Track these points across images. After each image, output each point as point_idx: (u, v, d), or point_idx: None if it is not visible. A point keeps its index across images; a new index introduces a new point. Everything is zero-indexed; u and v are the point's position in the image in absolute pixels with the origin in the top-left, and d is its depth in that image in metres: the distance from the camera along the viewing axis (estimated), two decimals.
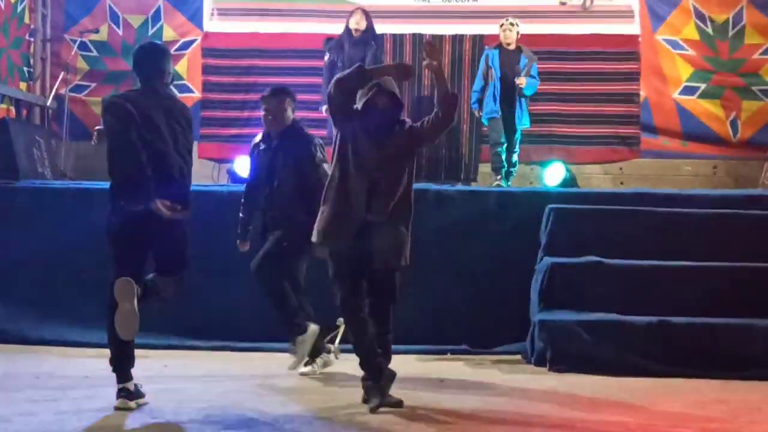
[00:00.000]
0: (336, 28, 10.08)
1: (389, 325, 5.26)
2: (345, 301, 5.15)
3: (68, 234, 7.53)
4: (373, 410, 4.94)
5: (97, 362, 6.47)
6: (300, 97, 10.36)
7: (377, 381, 5.08)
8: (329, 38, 9.51)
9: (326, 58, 9.26)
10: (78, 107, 10.46)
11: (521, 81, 8.84)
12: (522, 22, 9.94)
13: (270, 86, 10.64)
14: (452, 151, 10.22)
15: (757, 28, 10.25)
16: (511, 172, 9.11)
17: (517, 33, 9.12)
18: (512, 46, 9.08)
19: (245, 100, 10.26)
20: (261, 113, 6.37)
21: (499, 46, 9.13)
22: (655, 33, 10.37)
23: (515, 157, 9.11)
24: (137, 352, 6.86)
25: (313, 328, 5.95)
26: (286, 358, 6.75)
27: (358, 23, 9.15)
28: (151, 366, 6.30)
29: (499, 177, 8.97)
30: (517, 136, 9.04)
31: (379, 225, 5.08)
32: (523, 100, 8.97)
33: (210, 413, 4.87)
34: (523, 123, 9.03)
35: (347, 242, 5.09)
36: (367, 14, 9.27)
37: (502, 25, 9.16)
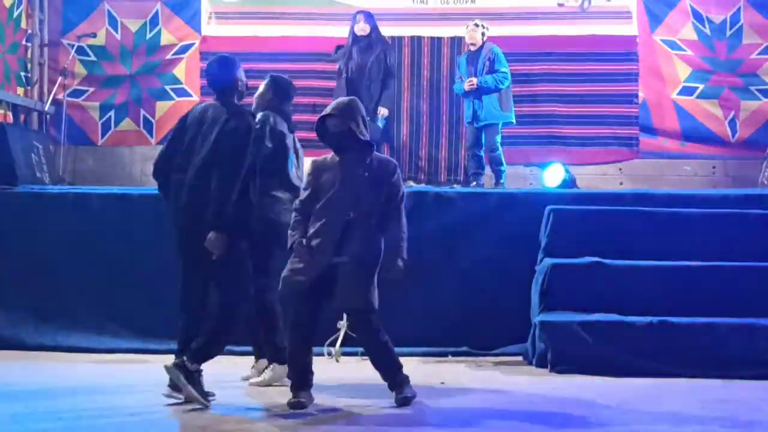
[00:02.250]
0: (334, 31, 10.10)
1: (372, 335, 5.24)
2: (290, 343, 5.25)
3: (67, 239, 7.53)
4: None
5: (96, 367, 6.48)
6: (299, 100, 10.46)
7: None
8: (339, 46, 9.48)
9: (339, 65, 9.26)
10: (76, 112, 10.45)
11: (470, 82, 8.80)
12: (520, 23, 10.01)
13: None
14: (452, 152, 10.22)
15: (755, 28, 10.26)
16: (500, 171, 8.96)
17: (483, 34, 9.01)
18: (476, 47, 9.00)
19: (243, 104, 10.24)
20: None
21: (469, 51, 9.12)
22: (653, 33, 10.38)
23: (500, 157, 8.94)
24: (137, 357, 6.92)
25: None
26: None
27: (362, 29, 9.16)
28: (151, 371, 6.28)
29: (473, 183, 8.93)
30: (498, 138, 8.92)
31: (343, 266, 5.07)
32: (486, 97, 8.81)
33: (211, 417, 4.86)
34: (495, 118, 8.85)
35: (309, 283, 5.09)
36: (369, 16, 9.24)
37: (468, 26, 9.13)
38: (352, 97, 5.40)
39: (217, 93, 5.41)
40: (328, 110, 5.25)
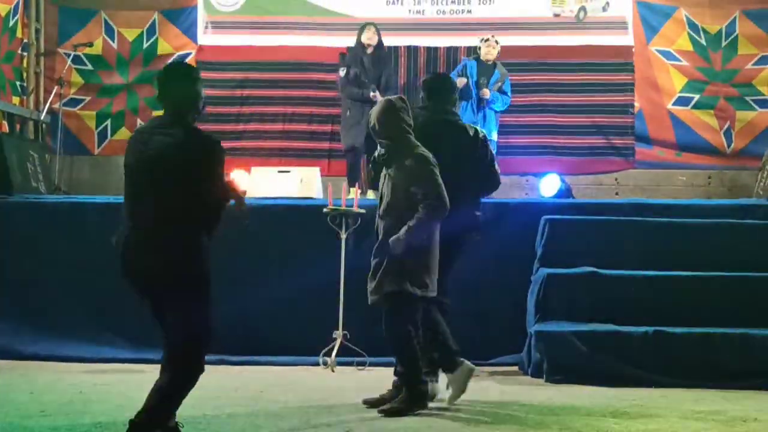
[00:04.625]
0: (331, 41, 10.12)
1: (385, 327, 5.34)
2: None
3: (62, 248, 7.52)
4: None
5: (90, 377, 6.46)
6: (292, 109, 10.50)
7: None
8: (343, 53, 9.44)
9: (342, 72, 9.18)
10: (72, 121, 10.45)
11: (484, 92, 8.91)
12: (516, 34, 10.01)
13: (264, 99, 10.63)
14: None
15: (750, 39, 10.29)
16: None
17: (498, 52, 9.16)
18: (491, 62, 9.11)
19: (240, 113, 10.27)
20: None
21: (478, 59, 9.19)
22: (648, 44, 10.40)
23: None
24: (132, 366, 6.90)
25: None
26: (281, 372, 6.75)
27: (370, 39, 9.13)
28: (146, 381, 6.25)
29: None
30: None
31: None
32: (489, 112, 9.00)
33: (205, 427, 4.85)
34: (490, 134, 8.88)
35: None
36: (378, 30, 9.24)
37: (487, 41, 9.19)
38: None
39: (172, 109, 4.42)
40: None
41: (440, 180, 5.19)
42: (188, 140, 4.29)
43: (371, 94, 8.88)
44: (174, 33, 10.64)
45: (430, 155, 5.26)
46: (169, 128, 4.35)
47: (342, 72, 9.17)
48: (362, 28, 9.27)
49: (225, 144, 4.51)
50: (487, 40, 9.22)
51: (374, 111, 5.41)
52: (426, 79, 6.08)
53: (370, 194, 9.09)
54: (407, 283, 5.16)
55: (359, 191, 8.64)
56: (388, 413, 5.12)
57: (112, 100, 10.59)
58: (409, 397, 5.19)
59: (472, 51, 9.92)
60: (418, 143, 5.31)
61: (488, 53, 9.14)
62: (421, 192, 5.16)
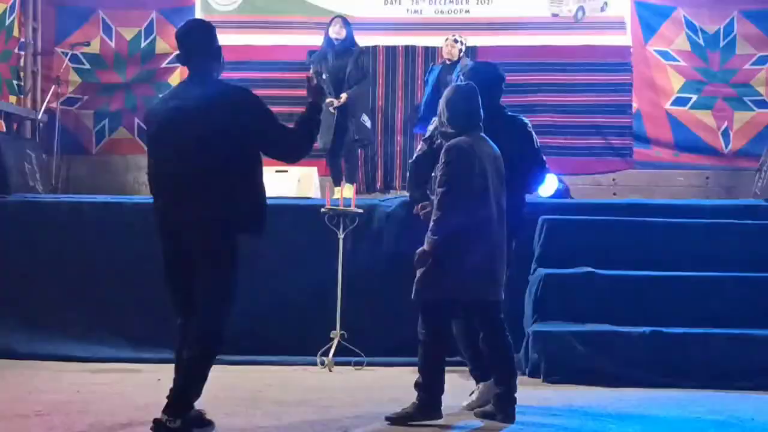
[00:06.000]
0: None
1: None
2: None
3: (59, 248, 7.52)
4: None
5: (88, 377, 6.45)
6: (289, 109, 10.46)
7: None
8: (312, 51, 9.43)
9: (311, 70, 9.14)
10: (69, 120, 10.45)
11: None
12: (514, 34, 10.02)
13: (262, 99, 10.58)
14: None
15: (748, 39, 10.30)
16: None
17: (460, 50, 9.02)
18: (452, 61, 8.97)
19: None
20: None
21: (444, 62, 9.10)
22: (646, 44, 10.41)
23: None
24: (130, 365, 6.90)
25: None
26: (278, 372, 6.75)
27: (338, 33, 8.97)
28: (144, 379, 6.28)
29: None
30: None
31: None
32: None
33: None
34: None
35: None
36: (347, 22, 9.08)
37: (446, 40, 9.13)
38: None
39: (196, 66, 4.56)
40: None
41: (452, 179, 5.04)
42: (219, 95, 4.42)
43: (329, 102, 8.70)
44: (172, 32, 10.50)
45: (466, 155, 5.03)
46: (197, 87, 4.47)
47: (311, 70, 9.04)
48: (330, 21, 9.09)
49: None
50: (446, 39, 9.14)
51: (444, 95, 5.17)
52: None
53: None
54: (420, 286, 4.98)
55: (343, 189, 8.61)
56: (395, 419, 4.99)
57: (110, 99, 10.59)
58: (418, 403, 4.97)
59: (470, 51, 9.95)
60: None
61: (449, 53, 9.02)
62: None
